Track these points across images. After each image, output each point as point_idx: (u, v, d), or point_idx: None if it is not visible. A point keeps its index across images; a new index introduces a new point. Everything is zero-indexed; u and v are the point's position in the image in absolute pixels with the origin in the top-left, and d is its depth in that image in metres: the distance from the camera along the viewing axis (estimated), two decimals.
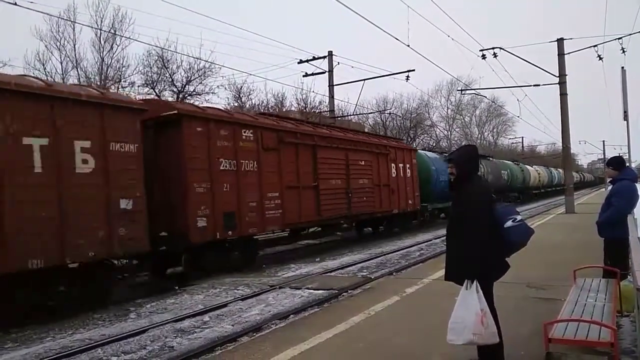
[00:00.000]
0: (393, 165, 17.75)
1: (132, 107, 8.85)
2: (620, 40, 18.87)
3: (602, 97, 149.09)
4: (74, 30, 24.46)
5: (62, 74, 24.12)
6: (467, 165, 3.92)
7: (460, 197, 3.89)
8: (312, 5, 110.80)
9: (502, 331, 3.70)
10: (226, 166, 10.55)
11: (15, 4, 11.87)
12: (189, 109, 10.55)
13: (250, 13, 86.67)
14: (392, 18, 22.82)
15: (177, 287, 9.47)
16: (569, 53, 20.98)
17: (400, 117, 41.63)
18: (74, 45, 24.59)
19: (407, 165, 18.89)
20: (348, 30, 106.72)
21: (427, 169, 20.94)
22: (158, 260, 10.11)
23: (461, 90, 38.94)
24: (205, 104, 22.19)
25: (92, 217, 7.83)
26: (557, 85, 21.25)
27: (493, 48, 20.33)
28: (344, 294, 8.13)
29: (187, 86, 25.40)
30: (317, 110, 29.43)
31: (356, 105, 29.44)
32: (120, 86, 23.84)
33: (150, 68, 24.99)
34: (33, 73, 22.61)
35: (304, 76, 24.29)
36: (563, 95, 21.27)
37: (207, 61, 24.91)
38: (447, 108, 61.74)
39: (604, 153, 64.65)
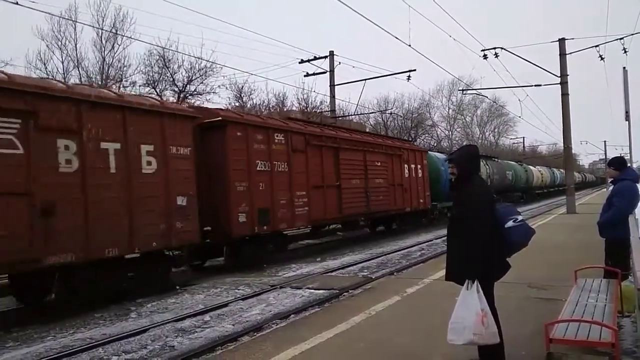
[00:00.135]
0: (406, 165, 18.68)
1: (186, 114, 9.93)
2: (622, 40, 18.87)
3: (603, 97, 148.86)
4: (75, 29, 24.55)
5: (64, 74, 24.15)
6: (468, 165, 3.92)
7: (461, 197, 3.89)
8: (313, 5, 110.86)
9: (503, 331, 3.69)
10: (261, 167, 11.53)
11: (17, 3, 11.89)
12: (231, 115, 11.60)
13: (252, 13, 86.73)
14: (393, 18, 22.77)
15: (178, 287, 9.48)
16: (570, 53, 20.98)
17: (401, 117, 41.62)
18: (76, 44, 24.68)
19: (419, 166, 19.82)
20: (349, 30, 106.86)
21: (437, 169, 21.28)
22: (198, 253, 11.07)
23: (462, 90, 38.88)
24: (206, 104, 22.28)
25: (155, 213, 8.87)
26: (559, 86, 21.23)
27: (494, 48, 20.34)
28: (344, 293, 8.13)
29: (188, 86, 25.42)
30: (318, 110, 29.42)
31: (357, 105, 29.42)
32: (121, 85, 23.87)
33: (152, 68, 25.03)
34: (35, 73, 22.72)
35: (305, 76, 24.28)
36: (564, 95, 21.24)
37: (208, 61, 24.94)
38: (448, 108, 61.74)
39: (605, 153, 64.61)
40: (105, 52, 24.82)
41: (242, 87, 29.47)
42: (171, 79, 25.12)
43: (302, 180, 12.82)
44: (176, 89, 25.25)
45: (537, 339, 4.23)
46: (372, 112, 40.06)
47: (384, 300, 6.63)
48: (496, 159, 34.35)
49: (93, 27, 24.15)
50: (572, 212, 20.88)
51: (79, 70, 24.58)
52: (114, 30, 24.65)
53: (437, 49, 34.58)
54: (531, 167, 43.70)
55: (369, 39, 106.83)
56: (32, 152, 7.06)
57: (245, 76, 43.91)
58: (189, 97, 25.14)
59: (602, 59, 20.07)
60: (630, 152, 18.12)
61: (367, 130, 34.49)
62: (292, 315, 7.01)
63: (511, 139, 70.77)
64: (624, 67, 14.17)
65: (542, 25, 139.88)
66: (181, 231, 9.30)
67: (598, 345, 3.86)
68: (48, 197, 7.15)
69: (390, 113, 40.08)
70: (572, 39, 20.93)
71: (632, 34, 19.08)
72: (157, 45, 23.94)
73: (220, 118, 10.77)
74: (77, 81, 23.05)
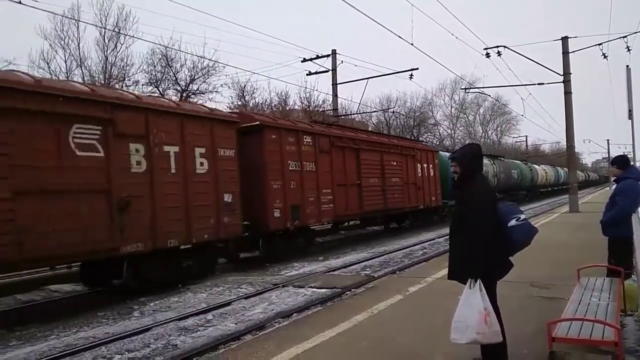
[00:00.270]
0: (419, 165, 19.67)
1: (231, 120, 11.02)
2: (625, 38, 18.82)
3: (606, 96, 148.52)
4: (78, 29, 24.58)
5: (67, 73, 24.21)
6: (471, 164, 3.90)
7: (463, 195, 3.87)
8: (315, 3, 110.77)
9: (506, 330, 3.69)
10: (293, 167, 12.55)
11: (20, 2, 11.92)
12: (267, 120, 12.59)
13: (254, 12, 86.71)
14: (396, 17, 22.79)
15: (180, 285, 9.50)
16: (573, 51, 20.89)
17: (403, 115, 41.57)
18: (78, 44, 24.72)
19: (430, 165, 20.78)
20: (352, 28, 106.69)
21: (447, 168, 21.35)
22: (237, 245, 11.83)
23: (465, 88, 38.84)
24: (208, 103, 22.29)
25: (207, 208, 9.92)
26: (562, 84, 21.14)
27: (497, 46, 20.29)
28: (347, 292, 8.13)
29: (190, 85, 25.46)
30: (321, 109, 29.40)
31: (360, 103, 29.37)
32: (124, 85, 23.90)
33: (154, 67, 25.09)
34: (38, 72, 22.75)
35: (307, 75, 24.22)
36: (567, 93, 21.16)
37: (210, 60, 25.00)
38: (451, 107, 61.70)
39: (608, 152, 64.31)
40: (108, 51, 24.88)
41: (245, 86, 29.53)
42: (174, 78, 25.20)
43: (327, 179, 13.83)
44: (179, 88, 25.31)
45: (539, 337, 4.23)
46: (375, 111, 40.02)
47: (387, 299, 6.63)
48: (502, 158, 34.99)
49: (96, 26, 24.22)
50: (575, 210, 20.83)
51: (81, 70, 24.65)
52: (116, 30, 24.71)
53: (439, 48, 34.44)
54: (536, 166, 44.26)
55: (371, 38, 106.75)
56: (111, 155, 8.09)
57: (248, 75, 44.02)
58: (192, 96, 25.17)
59: (605, 57, 20.02)
60: (634, 151, 18.05)
61: (369, 129, 34.46)
62: (295, 314, 7.01)
63: (514, 137, 70.70)
64: (627, 66, 14.13)
65: (545, 24, 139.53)
66: (228, 225, 10.38)
67: (601, 344, 3.85)
68: (123, 194, 8.20)
69: (393, 112, 40.05)
70: (575, 37, 20.88)
71: (636, 32, 19.01)
72: (160, 44, 24.03)
73: (257, 123, 11.79)
74: (80, 80, 23.09)
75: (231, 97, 29.94)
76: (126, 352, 5.89)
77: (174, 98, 22.88)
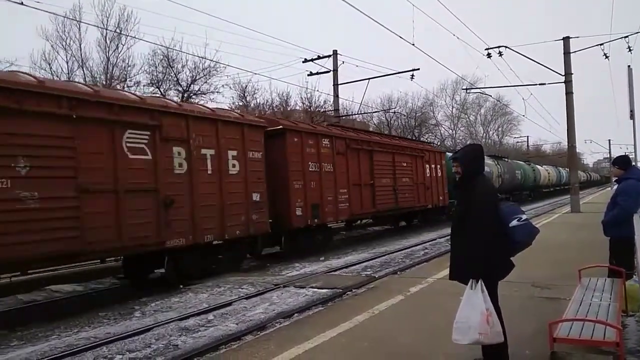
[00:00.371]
0: (427, 166, 20.49)
1: (259, 124, 11.87)
2: (627, 38, 18.77)
3: (608, 96, 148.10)
4: (79, 29, 24.62)
5: (68, 74, 24.23)
6: (473, 164, 3.90)
7: (465, 196, 3.87)
8: (317, 4, 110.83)
9: (507, 330, 3.69)
10: (313, 168, 13.33)
11: (22, 3, 11.93)
12: (289, 124, 13.42)
13: (255, 12, 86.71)
14: (397, 17, 22.78)
15: (181, 286, 9.50)
16: (574, 52, 20.84)
17: (404, 116, 41.55)
18: (80, 44, 24.75)
19: (438, 166, 21.59)
20: (353, 29, 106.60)
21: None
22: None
23: (466, 89, 38.91)
24: (210, 104, 22.31)
25: (238, 206, 10.74)
26: (563, 84, 21.12)
27: (498, 47, 20.28)
28: (348, 293, 8.12)
29: (192, 85, 25.48)
30: (322, 110, 29.40)
31: (361, 104, 29.38)
32: (125, 85, 23.92)
33: (156, 67, 25.11)
34: (39, 72, 22.79)
35: (308, 75, 24.22)
36: (569, 94, 21.13)
37: (212, 60, 25.01)
38: (452, 107, 61.63)
39: (609, 152, 64.26)
40: (110, 52, 24.90)
41: (246, 86, 29.57)
42: (175, 79, 25.22)
43: (343, 179, 14.63)
44: (180, 89, 25.34)
45: (540, 338, 4.22)
46: (376, 112, 40.04)
47: (388, 300, 6.62)
48: (506, 159, 35.78)
49: (97, 27, 24.24)
50: (577, 211, 20.80)
51: (83, 71, 24.68)
52: (118, 30, 24.73)
53: (441, 48, 34.50)
54: (538, 167, 44.93)
55: (372, 38, 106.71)
56: (157, 157, 8.93)
57: (249, 75, 44.04)
58: (193, 96, 25.19)
59: (606, 57, 19.98)
60: (635, 151, 18.09)
61: (371, 129, 34.47)
62: (296, 315, 7.01)
63: (515, 138, 70.65)
64: (629, 66, 14.18)
65: (546, 24, 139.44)
66: (256, 222, 11.23)
67: (602, 345, 3.84)
68: (168, 193, 9.02)
69: (394, 112, 40.05)
70: (577, 37, 20.82)
71: (637, 32, 18.93)
72: (161, 45, 24.08)
73: (281, 127, 12.60)
74: (82, 81, 23.13)
75: (232, 97, 30.01)
76: (127, 352, 5.89)
77: (175, 99, 22.95)
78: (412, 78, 23.55)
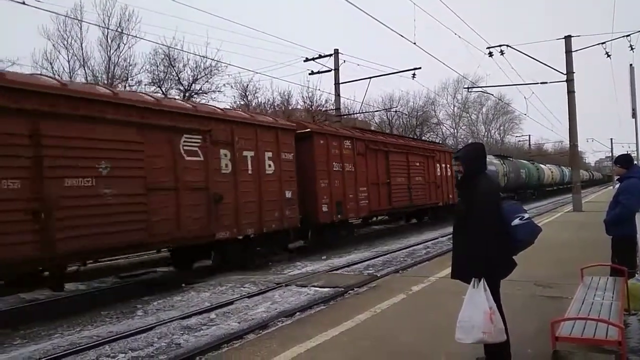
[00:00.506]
0: (438, 165, 21.38)
1: (291, 128, 12.92)
2: (629, 37, 18.75)
3: (610, 95, 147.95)
4: (81, 29, 24.66)
5: (70, 73, 24.28)
6: (474, 163, 3.89)
7: (467, 195, 3.87)
8: (318, 3, 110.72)
9: (509, 329, 3.68)
10: (336, 168, 14.29)
11: (24, 3, 11.95)
12: (316, 128, 14.41)
13: (257, 11, 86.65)
14: (399, 16, 22.73)
15: (184, 285, 9.52)
16: (576, 50, 20.83)
17: (406, 115, 41.50)
18: (81, 44, 24.80)
19: (447, 165, 22.21)
20: (354, 28, 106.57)
21: None
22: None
23: (468, 88, 38.59)
24: (211, 103, 22.30)
25: (273, 203, 11.79)
26: (565, 83, 21.09)
27: (500, 45, 20.26)
28: (349, 291, 8.14)
29: (193, 85, 25.48)
30: (323, 109, 29.38)
31: (362, 103, 29.34)
32: (127, 84, 23.94)
33: (157, 67, 25.13)
34: (41, 72, 22.78)
35: (310, 74, 24.19)
36: (570, 92, 21.11)
37: (213, 59, 25.01)
38: (454, 106, 61.56)
39: (611, 151, 63.96)
40: (111, 52, 24.94)
41: (247, 85, 29.53)
42: (176, 78, 25.22)
43: (363, 178, 15.54)
44: (181, 88, 25.33)
45: (543, 337, 4.22)
46: (377, 110, 39.94)
47: (389, 299, 6.63)
48: (511, 158, 36.55)
49: (99, 26, 24.28)
50: (579, 209, 20.78)
51: (84, 70, 24.71)
52: (119, 30, 24.75)
53: (442, 47, 34.47)
54: (542, 166, 45.65)
55: (374, 37, 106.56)
56: (208, 159, 9.93)
57: (250, 75, 43.98)
58: (194, 96, 25.20)
59: (608, 56, 19.96)
60: (637, 150, 18.02)
61: (372, 128, 34.45)
62: (298, 313, 7.02)
63: (517, 136, 70.53)
64: (631, 64, 14.12)
65: (548, 23, 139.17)
66: (289, 217, 12.29)
67: (604, 344, 3.84)
68: (216, 191, 10.04)
69: (396, 111, 39.99)
70: (579, 36, 20.81)
71: (639, 31, 18.92)
72: (163, 44, 24.09)
73: (309, 130, 13.57)
74: (83, 80, 23.17)
75: (234, 96, 29.98)
76: (130, 351, 5.90)
77: (177, 98, 22.95)
78: (413, 77, 23.51)
